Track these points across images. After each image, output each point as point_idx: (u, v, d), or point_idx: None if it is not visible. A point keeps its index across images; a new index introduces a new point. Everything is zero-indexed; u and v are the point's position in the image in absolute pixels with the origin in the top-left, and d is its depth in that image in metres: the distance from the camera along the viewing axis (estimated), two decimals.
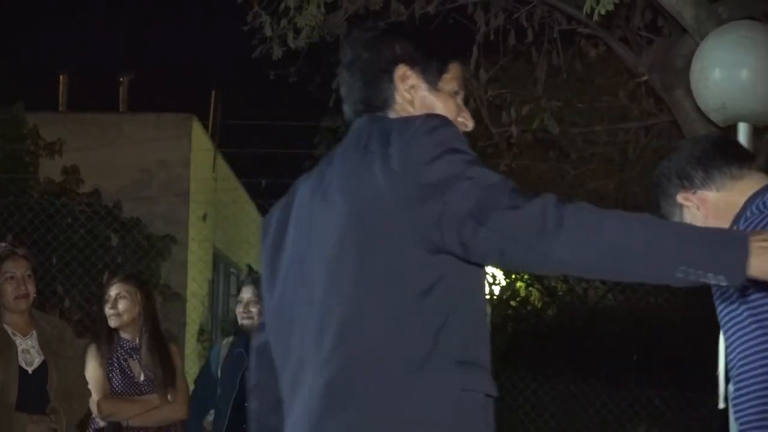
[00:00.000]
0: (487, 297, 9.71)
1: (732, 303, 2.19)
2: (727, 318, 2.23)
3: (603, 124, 7.87)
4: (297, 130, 8.60)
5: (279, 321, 1.96)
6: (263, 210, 8.83)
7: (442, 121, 1.86)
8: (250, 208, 10.46)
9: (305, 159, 7.97)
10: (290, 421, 1.86)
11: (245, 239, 10.00)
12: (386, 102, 2.02)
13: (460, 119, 2.06)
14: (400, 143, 1.80)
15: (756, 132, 4.89)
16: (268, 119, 9.73)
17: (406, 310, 1.75)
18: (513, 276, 9.90)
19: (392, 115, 1.98)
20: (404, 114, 1.97)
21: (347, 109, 2.07)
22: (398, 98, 2.01)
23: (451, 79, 2.09)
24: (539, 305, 9.90)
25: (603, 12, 5.06)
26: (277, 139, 9.99)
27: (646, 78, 6.63)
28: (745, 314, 2.17)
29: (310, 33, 6.05)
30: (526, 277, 9.75)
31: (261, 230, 2.10)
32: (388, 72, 2.01)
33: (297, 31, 6.05)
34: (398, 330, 1.75)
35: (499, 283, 9.94)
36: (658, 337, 8.51)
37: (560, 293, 9.62)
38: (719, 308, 2.26)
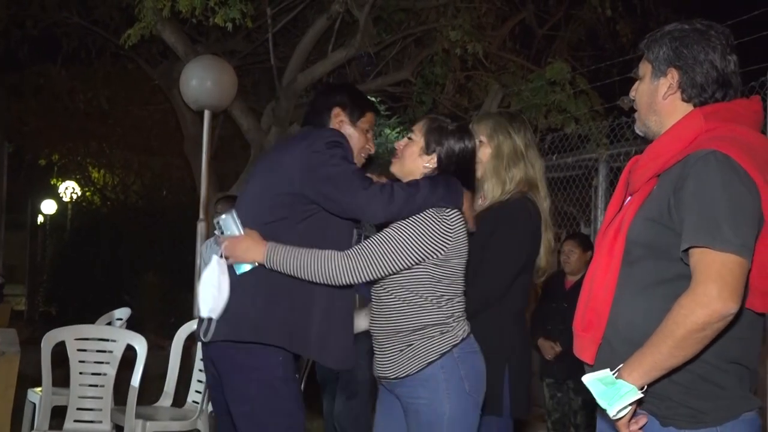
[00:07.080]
0: (69, 200, 13.46)
1: None
2: None
3: (138, 105, 11.14)
4: None
5: None
6: None
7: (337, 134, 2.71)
8: None
9: None
10: None
11: None
12: (322, 124, 2.81)
13: (367, 146, 2.88)
14: (309, 139, 2.67)
15: (213, 116, 6.56)
16: None
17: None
18: (84, 189, 13.56)
19: None
20: None
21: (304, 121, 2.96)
22: (331, 125, 2.83)
23: (365, 122, 2.86)
24: (99, 204, 13.33)
25: (131, 44, 6.72)
26: None
27: (158, 82, 9.00)
28: None
29: None
30: (93, 189, 13.52)
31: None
32: (328, 109, 2.85)
33: None
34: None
35: (77, 193, 13.55)
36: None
37: (111, 198, 13.21)
38: None
